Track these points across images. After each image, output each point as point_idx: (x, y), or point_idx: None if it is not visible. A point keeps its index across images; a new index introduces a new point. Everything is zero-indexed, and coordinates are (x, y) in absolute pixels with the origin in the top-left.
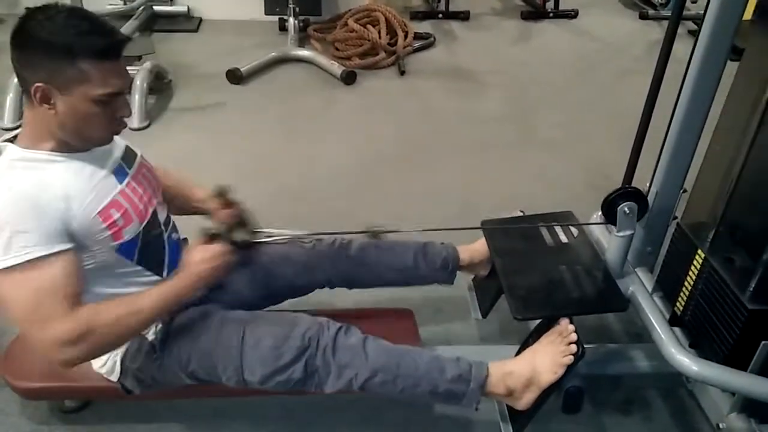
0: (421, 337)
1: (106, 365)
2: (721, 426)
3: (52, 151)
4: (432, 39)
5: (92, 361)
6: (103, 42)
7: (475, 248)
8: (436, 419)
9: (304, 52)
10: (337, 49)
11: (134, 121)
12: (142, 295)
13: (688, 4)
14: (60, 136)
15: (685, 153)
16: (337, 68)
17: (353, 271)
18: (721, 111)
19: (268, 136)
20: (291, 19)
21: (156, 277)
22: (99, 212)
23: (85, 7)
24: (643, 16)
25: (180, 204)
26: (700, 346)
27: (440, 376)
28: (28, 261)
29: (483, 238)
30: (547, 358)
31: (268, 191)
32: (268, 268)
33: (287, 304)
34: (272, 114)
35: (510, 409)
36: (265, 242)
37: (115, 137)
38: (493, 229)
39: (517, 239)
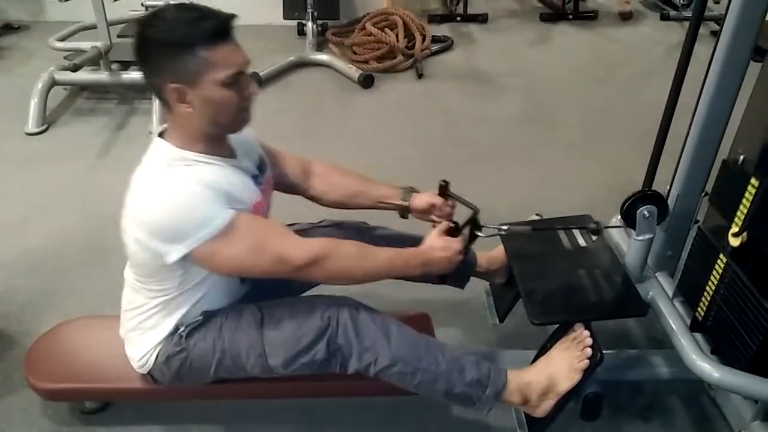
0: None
1: (143, 359)
2: None
3: (202, 153)
4: (450, 42)
5: (128, 352)
6: (212, 24)
7: (493, 255)
8: (453, 423)
9: (322, 56)
10: (355, 53)
11: (154, 125)
12: (377, 248)
13: (710, 4)
14: (204, 133)
15: (706, 156)
16: (354, 72)
17: None
18: (744, 113)
19: (286, 140)
20: (309, 24)
21: (242, 286)
22: (252, 206)
23: (108, 14)
24: (664, 18)
25: (358, 200)
26: (722, 353)
27: (459, 378)
28: (228, 223)
29: (501, 246)
30: (563, 365)
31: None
32: None
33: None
34: (291, 117)
35: (528, 416)
36: (507, 235)
37: (253, 143)
38: (510, 233)
39: (534, 243)
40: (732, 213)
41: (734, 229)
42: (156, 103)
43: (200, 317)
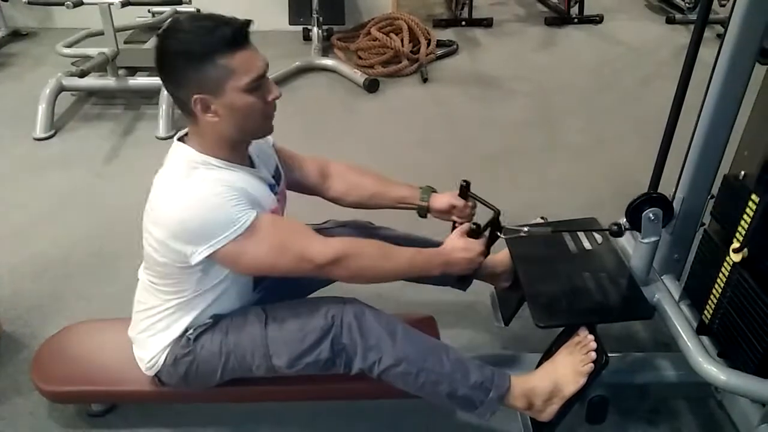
0: None
1: (152, 360)
2: None
3: (223, 160)
4: (455, 46)
5: (136, 353)
6: (229, 32)
7: (497, 258)
8: (457, 428)
9: (327, 61)
10: (360, 58)
11: (161, 130)
12: (398, 248)
13: (716, 7)
14: (229, 140)
15: (711, 158)
16: (360, 76)
17: None
18: (749, 115)
19: (292, 144)
20: (315, 29)
21: (255, 293)
22: (269, 213)
23: (115, 20)
24: (670, 21)
25: (377, 200)
26: (729, 356)
27: (463, 380)
28: (251, 223)
29: (506, 249)
30: (567, 369)
31: (292, 195)
32: None
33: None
34: (297, 122)
35: (533, 420)
36: (513, 238)
37: (270, 152)
38: (515, 237)
39: (539, 246)
40: (734, 228)
41: (735, 244)
42: (162, 108)
43: (209, 320)
